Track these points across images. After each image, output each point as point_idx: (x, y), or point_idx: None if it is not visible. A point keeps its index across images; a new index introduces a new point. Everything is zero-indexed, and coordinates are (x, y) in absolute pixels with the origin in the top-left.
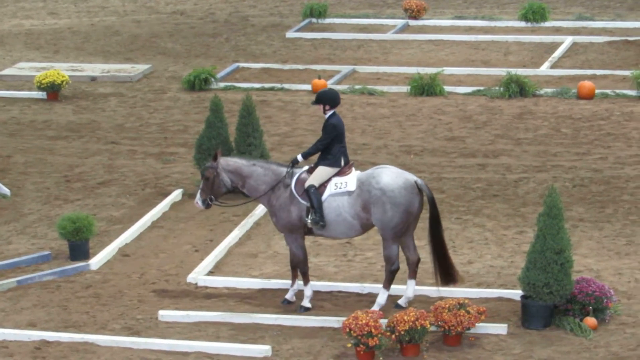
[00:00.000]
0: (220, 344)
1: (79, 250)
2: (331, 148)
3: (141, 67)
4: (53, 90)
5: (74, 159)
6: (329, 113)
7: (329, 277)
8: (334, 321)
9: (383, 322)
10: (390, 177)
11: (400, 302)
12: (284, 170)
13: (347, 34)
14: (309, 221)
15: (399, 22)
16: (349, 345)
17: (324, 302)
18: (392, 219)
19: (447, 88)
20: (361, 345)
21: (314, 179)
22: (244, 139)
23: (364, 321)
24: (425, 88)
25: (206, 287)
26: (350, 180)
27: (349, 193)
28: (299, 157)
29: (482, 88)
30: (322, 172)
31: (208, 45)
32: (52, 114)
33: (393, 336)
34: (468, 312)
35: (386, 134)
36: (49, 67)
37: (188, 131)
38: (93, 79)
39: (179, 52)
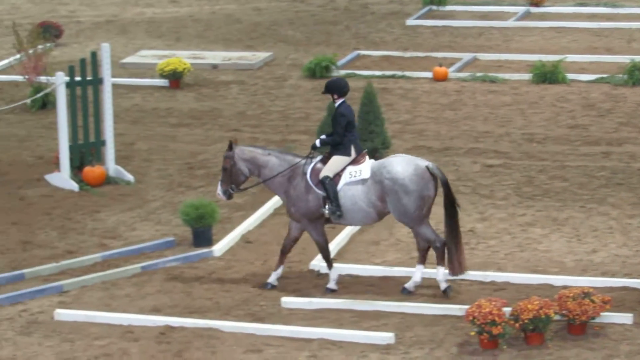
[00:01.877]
0: (342, 331)
1: (203, 236)
2: (342, 137)
3: (262, 55)
4: (175, 78)
5: (196, 146)
6: (338, 102)
7: None
8: (457, 309)
9: (507, 310)
10: (401, 165)
11: (408, 285)
12: (297, 160)
13: (468, 22)
14: (326, 211)
15: (520, 10)
16: (472, 333)
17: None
18: (408, 207)
19: (570, 76)
20: (484, 334)
21: (328, 170)
22: (366, 127)
23: (487, 309)
24: (547, 76)
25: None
26: (365, 169)
27: (364, 181)
28: (317, 143)
29: (605, 75)
30: (336, 162)
31: (328, 32)
32: (174, 102)
33: (517, 325)
34: (593, 301)
35: (508, 122)
36: (171, 55)
37: (309, 119)
38: (214, 66)
39: (300, 40)
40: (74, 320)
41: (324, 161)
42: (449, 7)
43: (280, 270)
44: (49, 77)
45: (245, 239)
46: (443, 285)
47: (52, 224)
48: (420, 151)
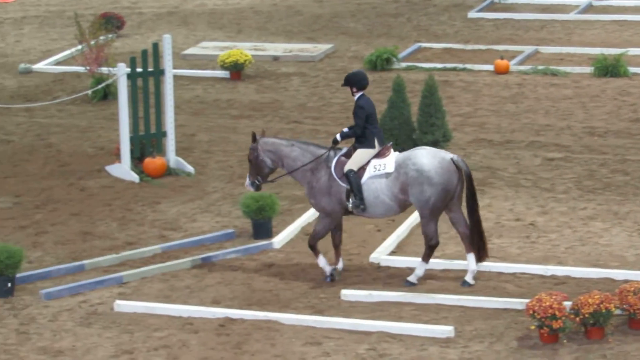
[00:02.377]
0: (402, 324)
1: (262, 228)
2: (364, 130)
3: (323, 47)
4: (236, 70)
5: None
6: (357, 95)
7: (512, 258)
8: (517, 303)
9: (567, 304)
10: (427, 157)
11: (467, 278)
12: (321, 151)
13: (530, 14)
14: (350, 205)
15: (582, 2)
16: (533, 327)
17: (507, 283)
18: (430, 199)
19: (632, 69)
20: (545, 328)
21: (353, 163)
22: (427, 119)
23: (547, 303)
24: (609, 69)
25: (388, 267)
26: (389, 162)
27: (387, 175)
28: (338, 137)
29: None
30: (360, 155)
31: (390, 25)
32: (235, 93)
33: (577, 319)
34: None
35: (569, 115)
36: (232, 47)
37: None
38: (276, 58)
39: (361, 32)
40: (133, 312)
41: (348, 154)
42: (510, 0)
43: (340, 264)
44: (111, 68)
45: (305, 232)
46: (412, 278)
47: (113, 215)
48: (481, 144)
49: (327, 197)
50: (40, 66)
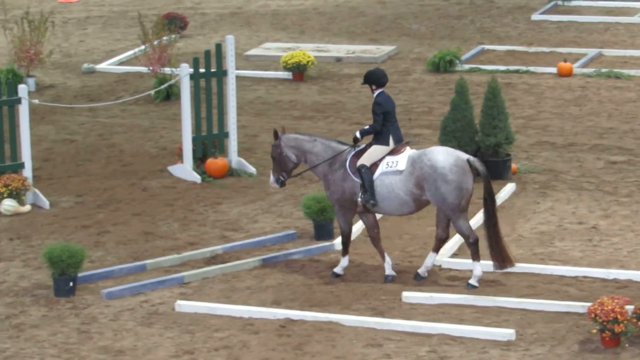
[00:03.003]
0: (463, 327)
1: (324, 229)
2: (382, 127)
3: (386, 49)
4: (299, 71)
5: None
6: (377, 92)
7: (574, 261)
8: (579, 306)
9: (629, 308)
10: (442, 154)
11: (420, 270)
12: (343, 147)
13: (594, 17)
14: (360, 200)
15: None
16: (594, 331)
17: (569, 287)
18: (445, 196)
19: None
20: (606, 332)
21: (366, 159)
22: (489, 122)
23: (609, 307)
24: None
25: (450, 269)
26: (402, 160)
27: (399, 172)
28: (358, 135)
29: None
30: (373, 151)
31: (453, 27)
32: (297, 94)
33: (639, 323)
34: None
35: (633, 118)
36: (295, 48)
37: (433, 113)
38: (338, 59)
39: (424, 34)
40: (194, 312)
41: (364, 151)
42: (574, 2)
43: (388, 259)
44: (173, 69)
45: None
46: (472, 281)
47: (174, 215)
48: (544, 147)
49: (341, 191)
50: (104, 66)
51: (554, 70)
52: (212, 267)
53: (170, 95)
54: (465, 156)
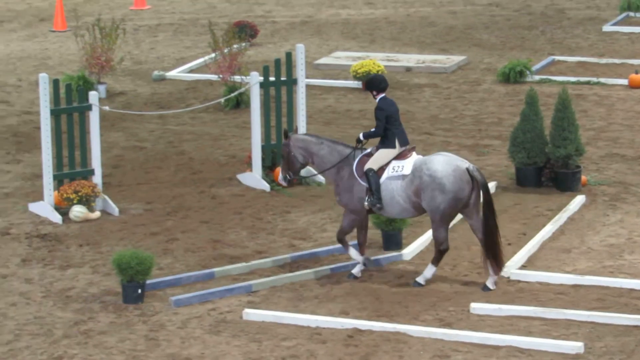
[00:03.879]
0: (531, 339)
1: (392, 240)
2: (386, 131)
3: (456, 59)
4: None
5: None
6: (379, 97)
7: None
8: None
9: None
10: (441, 164)
11: (487, 283)
12: (347, 151)
13: None
14: (366, 203)
15: None
16: None
17: (638, 300)
18: (440, 205)
19: None
20: None
21: (373, 162)
22: (559, 133)
23: None
24: None
25: (518, 281)
26: (407, 165)
27: (404, 177)
28: (361, 136)
29: None
30: (380, 155)
31: (523, 37)
32: (367, 103)
33: None
34: None
35: None
36: (365, 57)
37: (502, 124)
38: (408, 69)
39: (494, 44)
40: (262, 321)
41: (371, 154)
42: None
43: (358, 259)
44: (243, 77)
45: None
46: (420, 279)
47: (243, 223)
48: (614, 159)
49: (350, 195)
50: (174, 74)
51: (625, 82)
52: (280, 275)
53: (240, 103)
54: (464, 165)
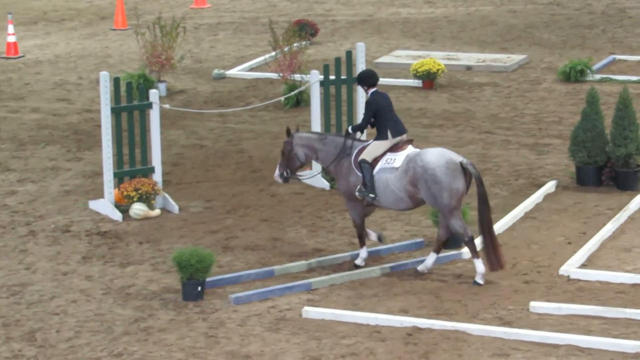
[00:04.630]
0: (591, 338)
1: (452, 238)
2: (378, 123)
3: (517, 58)
4: (429, 79)
5: (448, 147)
6: (370, 91)
7: None
8: None
9: None
10: (434, 155)
11: (420, 267)
12: (342, 140)
13: None
14: (357, 194)
15: None
16: None
17: None
18: (437, 196)
19: None
20: None
21: (367, 154)
22: (620, 132)
23: None
24: None
25: (578, 280)
26: (400, 157)
27: (395, 169)
28: (349, 129)
29: None
30: (374, 146)
31: (584, 36)
32: (427, 102)
33: None
34: None
35: None
36: (425, 56)
37: (563, 123)
38: (468, 68)
39: (555, 43)
40: (321, 318)
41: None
42: None
43: (364, 254)
44: (304, 75)
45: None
46: (478, 278)
47: (302, 221)
48: None
49: (348, 185)
50: (234, 72)
51: None
52: (340, 273)
53: (300, 101)
54: (458, 158)
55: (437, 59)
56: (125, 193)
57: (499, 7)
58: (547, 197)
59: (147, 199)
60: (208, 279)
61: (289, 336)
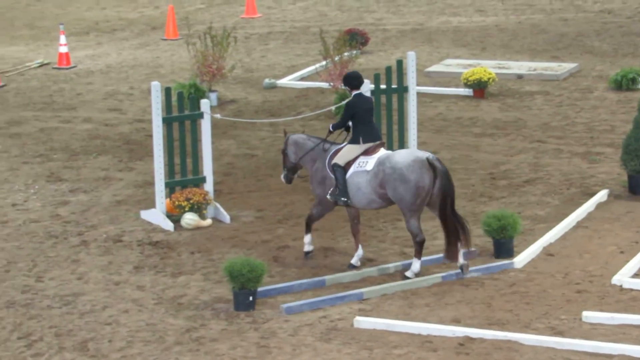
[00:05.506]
0: None
1: (504, 248)
2: (353, 127)
3: (568, 66)
4: (479, 88)
5: (499, 156)
6: (353, 93)
7: None
8: None
9: None
10: (402, 155)
11: (407, 273)
12: (316, 142)
13: None
14: (329, 196)
15: None
16: None
17: None
18: (404, 195)
19: None
20: None
21: (339, 158)
22: None
23: None
24: None
25: (631, 290)
26: (371, 161)
27: (367, 172)
28: (331, 128)
29: None
30: (346, 150)
31: (636, 44)
32: (478, 111)
33: None
34: None
35: None
36: (476, 65)
37: (615, 131)
38: (519, 77)
39: (606, 51)
40: (373, 328)
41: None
42: None
43: (360, 252)
44: None
45: (547, 252)
46: (409, 273)
47: None
48: None
49: (321, 186)
50: (285, 81)
51: None
52: (392, 283)
53: None
54: (424, 155)
55: (488, 67)
56: (176, 203)
57: (550, 16)
58: (599, 206)
59: (198, 208)
60: (259, 289)
61: (340, 346)
